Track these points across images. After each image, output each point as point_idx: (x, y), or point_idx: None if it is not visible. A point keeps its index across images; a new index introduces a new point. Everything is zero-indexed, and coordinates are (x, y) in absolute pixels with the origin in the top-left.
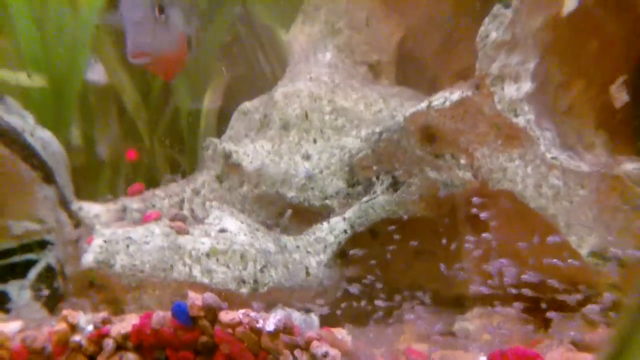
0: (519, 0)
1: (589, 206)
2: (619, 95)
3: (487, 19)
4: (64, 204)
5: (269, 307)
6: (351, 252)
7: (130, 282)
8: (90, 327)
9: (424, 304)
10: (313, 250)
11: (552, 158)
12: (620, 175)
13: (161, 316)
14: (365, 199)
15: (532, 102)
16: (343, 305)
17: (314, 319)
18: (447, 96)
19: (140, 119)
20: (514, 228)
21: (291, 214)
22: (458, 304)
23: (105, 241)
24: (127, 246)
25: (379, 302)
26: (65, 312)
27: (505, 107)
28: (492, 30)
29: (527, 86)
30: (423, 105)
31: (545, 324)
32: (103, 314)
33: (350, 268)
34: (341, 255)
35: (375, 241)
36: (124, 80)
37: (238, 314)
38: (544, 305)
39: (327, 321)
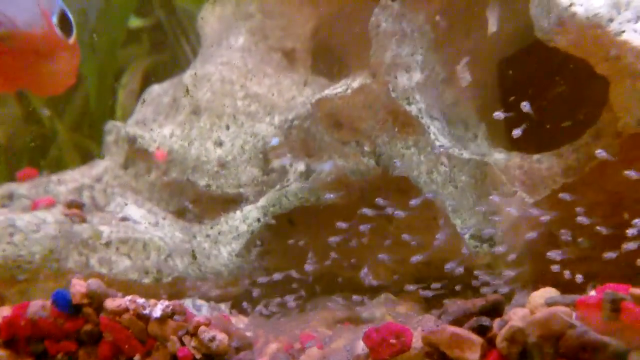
0: None
1: (470, 191)
2: (464, 75)
3: (376, 9)
4: None
5: (175, 297)
6: (265, 241)
7: (15, 275)
8: None
9: (338, 292)
10: (224, 239)
11: (440, 146)
12: (491, 163)
13: (39, 305)
14: (278, 186)
15: (422, 92)
16: (254, 294)
17: (222, 308)
18: (349, 83)
19: (37, 99)
20: (415, 215)
21: (198, 201)
22: (369, 291)
23: None
24: (11, 235)
25: (292, 291)
26: None
27: (399, 95)
28: (382, 20)
29: (417, 76)
30: (327, 92)
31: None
32: None
33: (265, 257)
34: (255, 244)
35: (292, 230)
36: None
37: (125, 301)
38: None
39: (236, 311)
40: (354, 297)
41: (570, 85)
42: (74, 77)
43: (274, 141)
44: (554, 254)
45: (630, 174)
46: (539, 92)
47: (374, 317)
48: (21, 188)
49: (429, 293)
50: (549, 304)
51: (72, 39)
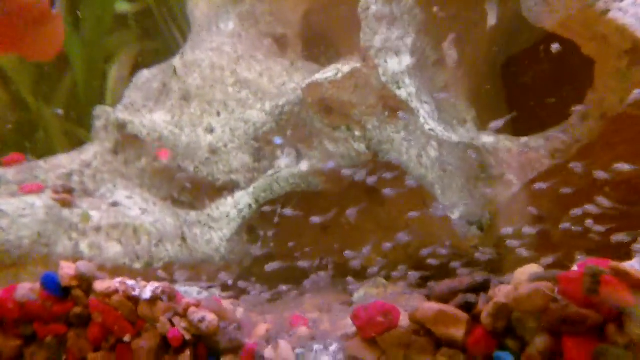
0: None
1: (459, 175)
2: (450, 53)
3: None
4: None
5: (167, 282)
6: (257, 226)
7: (3, 260)
8: None
9: (329, 277)
10: (216, 225)
11: (430, 130)
12: (479, 146)
13: (28, 288)
14: (269, 172)
15: (412, 76)
16: (246, 278)
17: (214, 293)
18: (340, 68)
19: (23, 84)
20: (404, 199)
21: (189, 187)
22: (359, 275)
23: None
24: None
25: (284, 276)
26: None
27: (389, 79)
28: (372, 3)
29: (407, 60)
30: (317, 76)
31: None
32: None
33: (257, 242)
34: (247, 229)
35: (282, 216)
36: None
37: (114, 282)
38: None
39: (228, 295)
40: (345, 281)
41: (559, 68)
42: (60, 45)
43: (277, 141)
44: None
45: (599, 174)
46: (529, 76)
47: (363, 299)
48: (8, 173)
49: (416, 275)
50: (533, 279)
51: (56, 10)
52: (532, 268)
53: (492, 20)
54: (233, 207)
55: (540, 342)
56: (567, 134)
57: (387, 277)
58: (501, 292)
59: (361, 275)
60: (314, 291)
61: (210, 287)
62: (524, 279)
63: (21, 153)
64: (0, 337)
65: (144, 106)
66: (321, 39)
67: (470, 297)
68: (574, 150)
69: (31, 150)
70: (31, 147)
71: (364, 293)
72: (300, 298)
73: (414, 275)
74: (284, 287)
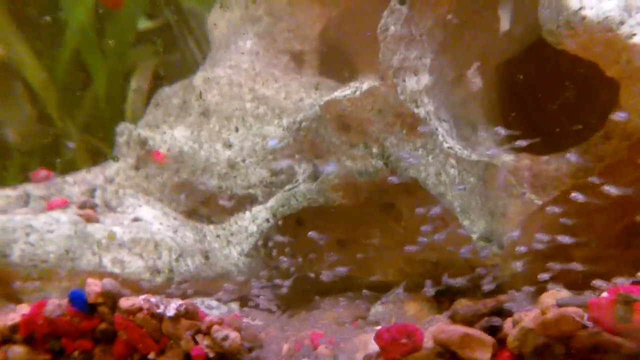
0: None
1: (478, 193)
2: (475, 79)
3: (385, 13)
4: None
5: (186, 297)
6: (275, 240)
7: (31, 273)
8: None
9: (345, 292)
10: (234, 239)
11: (449, 148)
12: (499, 165)
13: (56, 304)
14: (287, 187)
15: (430, 94)
16: (264, 293)
17: (232, 307)
18: (358, 86)
19: (50, 101)
20: (421, 215)
21: (208, 202)
22: (376, 290)
23: None
24: (27, 234)
25: (301, 291)
26: None
27: (407, 97)
28: (390, 24)
29: (425, 79)
30: (336, 94)
31: (450, 303)
32: None
33: (275, 257)
34: (264, 244)
35: (300, 230)
36: (24, 53)
37: (139, 300)
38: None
39: (246, 309)
40: (365, 293)
41: (578, 87)
42: None
43: (272, 142)
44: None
45: (610, 189)
46: (547, 94)
47: (382, 316)
48: (36, 189)
49: (432, 291)
50: (561, 305)
51: None
52: (559, 293)
53: (505, 25)
54: (251, 221)
55: None
56: (589, 153)
57: (404, 291)
58: (528, 317)
59: (377, 290)
60: (330, 306)
61: (227, 301)
62: (551, 303)
63: (47, 168)
64: (30, 351)
65: (165, 122)
66: (338, 55)
67: (496, 321)
68: (596, 169)
69: (56, 164)
70: (56, 161)
71: (381, 309)
72: (316, 312)
73: (428, 290)
74: (301, 301)
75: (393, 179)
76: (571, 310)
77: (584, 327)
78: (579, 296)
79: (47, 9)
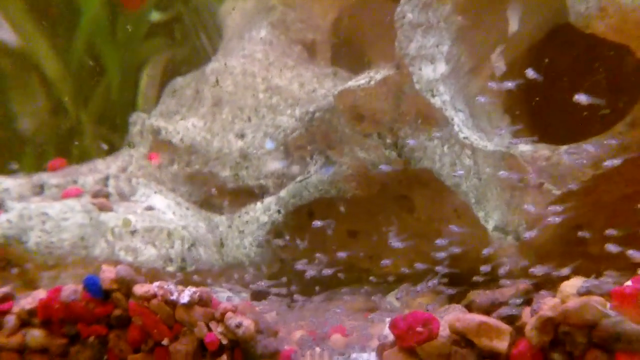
0: None
1: (494, 184)
2: (499, 64)
3: (402, 0)
4: None
5: (199, 285)
6: (286, 231)
7: (46, 260)
8: None
9: (357, 282)
10: (246, 229)
11: (464, 138)
12: (516, 155)
13: (72, 289)
14: (299, 178)
15: (447, 83)
16: (276, 283)
17: (243, 296)
18: (372, 75)
19: (64, 91)
20: (435, 205)
21: (220, 192)
22: (389, 281)
23: (15, 216)
24: (43, 222)
25: (314, 281)
26: None
27: (423, 87)
28: (407, 11)
29: (442, 67)
30: (350, 83)
31: (463, 294)
32: (4, 289)
33: (285, 247)
34: (275, 234)
35: (311, 221)
36: (39, 43)
37: (153, 287)
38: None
39: (259, 299)
40: (373, 287)
41: (603, 73)
42: None
43: (269, 145)
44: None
45: None
46: (568, 81)
47: (394, 307)
48: (51, 178)
49: (442, 287)
50: (582, 293)
51: None
52: (579, 281)
53: (514, 26)
54: (263, 212)
55: (591, 359)
56: (612, 142)
57: (416, 284)
58: (547, 305)
59: (389, 281)
60: (341, 297)
61: (239, 290)
62: (572, 291)
63: (62, 158)
64: (47, 335)
65: (177, 112)
66: (350, 45)
67: (513, 309)
68: (619, 159)
69: (70, 154)
70: (70, 151)
71: (394, 299)
72: (327, 303)
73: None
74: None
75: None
76: (593, 298)
77: (607, 316)
78: (601, 284)
79: (62, 1)
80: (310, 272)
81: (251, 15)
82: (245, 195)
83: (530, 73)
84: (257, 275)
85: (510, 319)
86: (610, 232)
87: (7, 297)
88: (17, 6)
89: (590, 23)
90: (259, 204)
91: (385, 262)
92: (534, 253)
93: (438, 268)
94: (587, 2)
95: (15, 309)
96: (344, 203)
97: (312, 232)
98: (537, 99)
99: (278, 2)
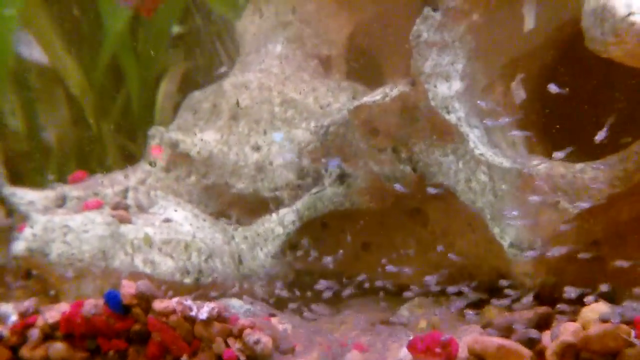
0: (445, 5)
1: (510, 200)
2: (518, 92)
3: (418, 20)
4: None
5: (214, 298)
6: (300, 243)
7: (67, 272)
8: (14, 317)
9: (369, 295)
10: (261, 241)
11: (480, 154)
12: (532, 172)
13: (93, 304)
14: (314, 190)
15: (462, 100)
16: (290, 295)
17: (258, 309)
18: (387, 92)
19: (87, 105)
20: (450, 221)
21: (236, 204)
22: (401, 294)
23: (40, 229)
24: (65, 234)
25: (325, 293)
26: None
27: (438, 103)
28: (423, 30)
29: (457, 85)
30: (365, 99)
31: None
32: (28, 303)
33: (299, 259)
34: (290, 246)
35: (325, 233)
36: (65, 60)
37: (172, 302)
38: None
39: (274, 311)
40: (386, 300)
41: (618, 91)
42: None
43: (277, 137)
44: None
45: None
46: (583, 99)
47: (407, 320)
48: (72, 190)
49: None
50: (604, 319)
51: None
52: (601, 307)
53: (530, 24)
54: (278, 224)
55: None
56: (629, 161)
57: (427, 296)
58: (567, 330)
59: (402, 294)
60: (355, 309)
61: (255, 303)
62: (593, 317)
63: (84, 170)
64: (69, 349)
65: (195, 125)
66: (365, 59)
67: (534, 333)
68: (636, 178)
69: (91, 166)
70: (91, 162)
71: (407, 313)
72: (340, 315)
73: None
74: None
75: (431, 190)
76: (617, 326)
77: (632, 344)
78: (625, 310)
79: (87, 16)
80: (328, 294)
81: (268, 30)
82: (261, 206)
83: (552, 88)
84: (273, 287)
85: (530, 343)
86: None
87: (32, 311)
88: (46, 26)
89: (605, 48)
90: (274, 215)
91: (391, 268)
92: (550, 271)
93: (464, 288)
94: (602, 27)
95: (39, 322)
96: (357, 215)
97: (326, 243)
98: (552, 114)
99: (294, 17)
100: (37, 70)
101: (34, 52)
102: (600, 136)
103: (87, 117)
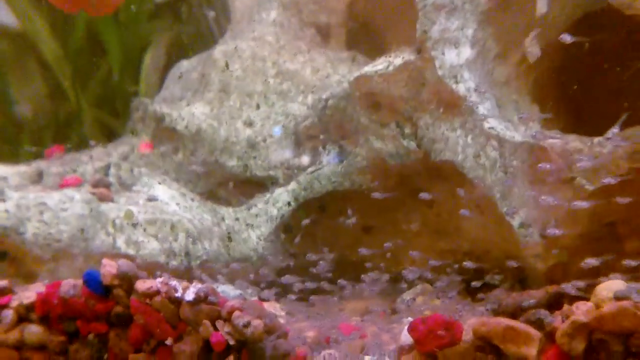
0: None
1: (521, 177)
2: (533, 49)
3: None
4: None
5: (202, 281)
6: (296, 226)
7: (44, 253)
8: None
9: (370, 280)
10: (254, 222)
11: (490, 128)
12: (546, 147)
13: (71, 284)
14: (310, 169)
15: (472, 69)
16: (284, 279)
17: (249, 293)
18: (391, 60)
19: (63, 75)
20: (455, 200)
21: (226, 183)
22: (403, 279)
23: (12, 205)
24: (41, 212)
25: (323, 278)
26: None
27: (446, 73)
28: None
29: (467, 52)
30: (367, 69)
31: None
32: (1, 282)
33: (295, 242)
34: (285, 228)
35: (323, 215)
36: (38, 24)
37: (156, 283)
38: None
39: (266, 295)
40: (388, 285)
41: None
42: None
43: (276, 131)
44: None
45: None
46: (602, 69)
47: (409, 307)
48: (50, 166)
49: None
50: (619, 297)
51: None
52: (616, 284)
53: (542, 7)
54: (272, 205)
55: None
56: None
57: (432, 282)
58: (580, 310)
59: (404, 279)
60: (355, 294)
61: (246, 286)
62: (608, 296)
63: (60, 145)
64: (46, 331)
65: (182, 98)
66: (366, 28)
67: (543, 314)
68: None
69: (69, 141)
70: (69, 138)
71: (409, 298)
72: (340, 301)
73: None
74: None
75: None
76: (631, 304)
77: None
78: None
79: None
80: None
81: None
82: (254, 186)
83: (566, 38)
84: (266, 271)
85: (540, 324)
86: None
87: (5, 291)
88: None
89: (633, 3)
90: (267, 195)
91: (388, 244)
92: (563, 251)
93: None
94: None
95: (14, 303)
96: (358, 196)
97: (324, 226)
98: (569, 86)
99: None
100: (5, 34)
101: (1, 14)
102: (611, 132)
103: (64, 88)
